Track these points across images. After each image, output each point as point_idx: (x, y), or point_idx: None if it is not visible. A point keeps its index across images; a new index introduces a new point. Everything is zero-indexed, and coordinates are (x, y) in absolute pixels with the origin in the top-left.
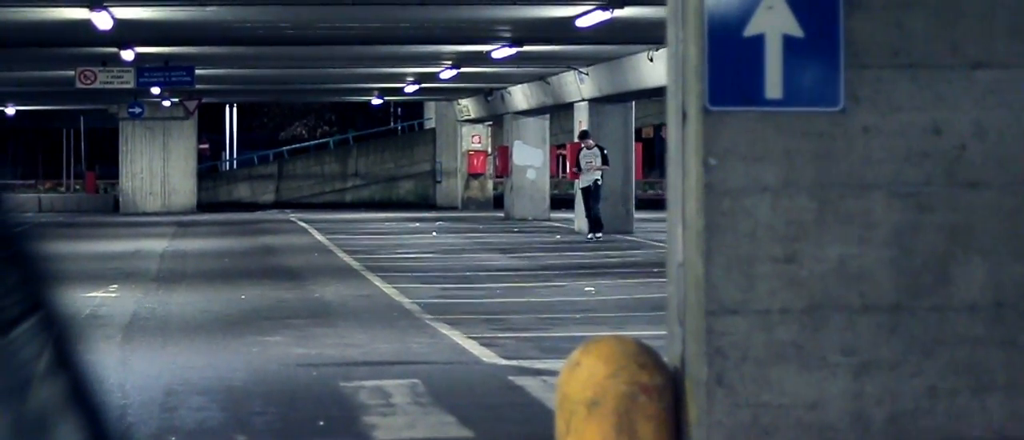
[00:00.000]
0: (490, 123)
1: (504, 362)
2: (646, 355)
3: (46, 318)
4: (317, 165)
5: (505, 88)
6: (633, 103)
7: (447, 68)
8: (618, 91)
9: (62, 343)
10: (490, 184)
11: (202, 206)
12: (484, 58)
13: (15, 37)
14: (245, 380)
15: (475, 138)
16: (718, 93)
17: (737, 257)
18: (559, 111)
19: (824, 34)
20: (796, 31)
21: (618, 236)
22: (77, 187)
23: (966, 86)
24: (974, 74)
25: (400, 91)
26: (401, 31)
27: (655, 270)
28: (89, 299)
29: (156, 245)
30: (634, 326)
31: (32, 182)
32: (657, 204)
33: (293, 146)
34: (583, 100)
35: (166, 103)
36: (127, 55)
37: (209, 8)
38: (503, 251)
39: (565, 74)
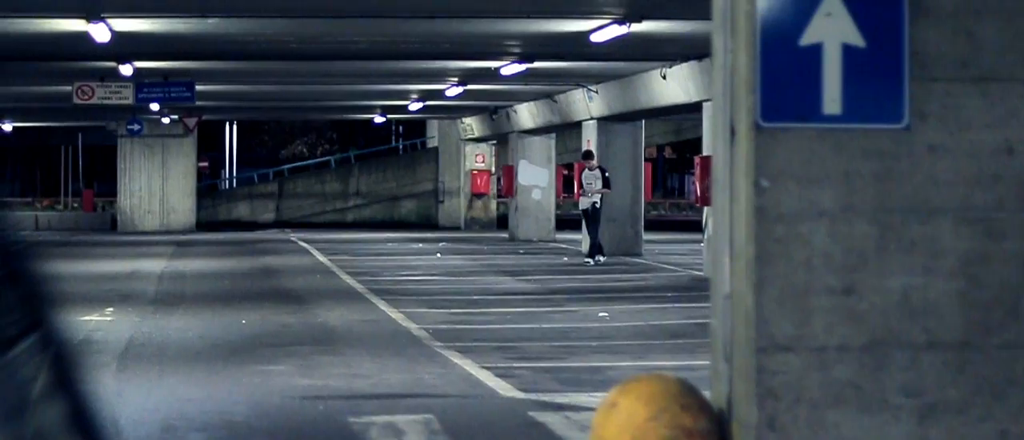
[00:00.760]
0: (494, 142)
1: (522, 395)
2: (689, 395)
3: (45, 338)
4: (318, 184)
5: (511, 106)
6: (643, 122)
7: (453, 85)
8: (628, 109)
9: (61, 364)
10: (494, 204)
11: (201, 225)
12: (491, 75)
13: (11, 50)
14: (247, 414)
15: (479, 157)
16: (771, 108)
17: (791, 288)
18: (566, 130)
19: (887, 44)
20: (857, 40)
21: (627, 258)
22: (75, 205)
23: None
24: None
25: (404, 109)
26: (407, 46)
27: (668, 295)
28: (83, 323)
29: (154, 266)
30: (655, 355)
31: (29, 200)
32: (661, 226)
33: (294, 164)
34: (592, 118)
35: (165, 120)
36: (126, 70)
37: (211, 20)
38: (510, 274)
39: (573, 92)
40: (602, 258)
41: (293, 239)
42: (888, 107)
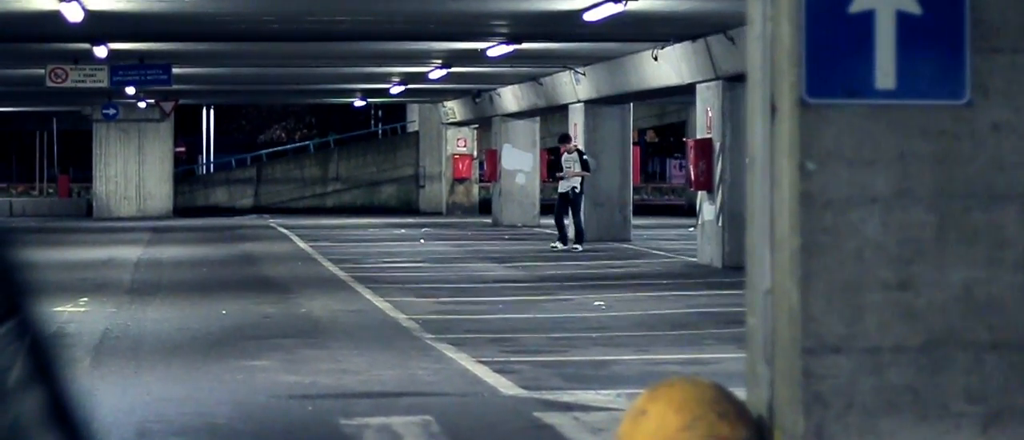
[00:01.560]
0: (476, 126)
1: (525, 393)
2: (726, 401)
3: (21, 326)
4: (297, 169)
5: (494, 89)
6: (631, 105)
7: (436, 68)
8: (618, 92)
9: (39, 353)
10: (476, 189)
11: (178, 211)
12: (477, 57)
13: None
14: (230, 416)
15: (461, 141)
16: (818, 82)
17: (840, 283)
18: (551, 113)
19: (946, 10)
20: (912, 7)
21: (616, 244)
22: (50, 191)
23: None
24: None
25: (385, 92)
26: (393, 26)
27: (664, 282)
28: (56, 314)
29: (130, 253)
30: (660, 348)
31: (4, 186)
32: (645, 210)
33: (272, 149)
34: (579, 101)
35: (141, 104)
36: (100, 52)
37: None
38: (497, 260)
39: (559, 74)
40: (580, 247)
41: (272, 225)
42: (947, 81)
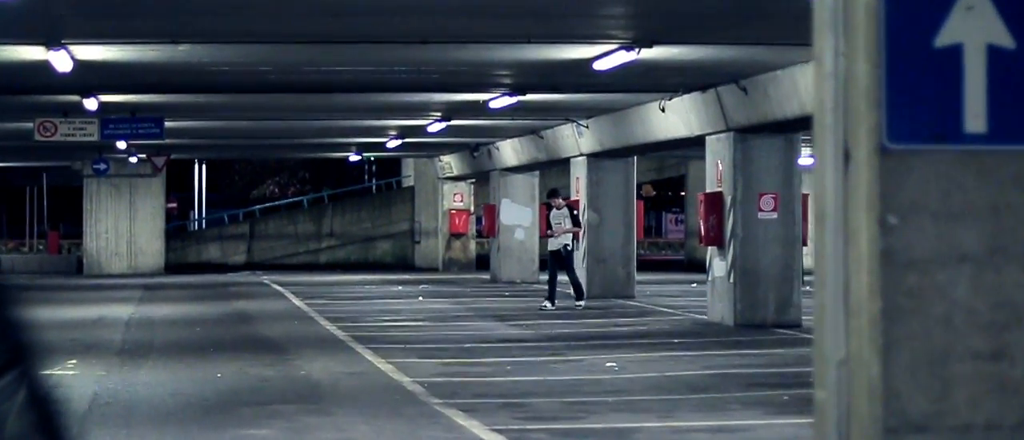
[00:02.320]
0: (473, 181)
1: None
2: None
3: (24, 376)
4: (290, 225)
5: (493, 143)
6: (635, 158)
7: (435, 121)
8: (622, 144)
9: (42, 405)
10: (473, 245)
11: (170, 267)
12: (478, 108)
13: None
14: None
15: (457, 196)
16: (900, 126)
17: (926, 353)
18: (550, 167)
19: None
20: (1005, 40)
21: (620, 301)
22: (40, 247)
23: None
24: None
25: (381, 147)
26: (394, 76)
27: (675, 341)
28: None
29: (121, 311)
30: (683, 414)
31: None
32: (642, 266)
33: (265, 205)
34: (581, 155)
35: (133, 159)
36: (90, 104)
37: (181, 47)
38: (499, 318)
39: (561, 127)
40: (581, 304)
41: (266, 282)
42: None
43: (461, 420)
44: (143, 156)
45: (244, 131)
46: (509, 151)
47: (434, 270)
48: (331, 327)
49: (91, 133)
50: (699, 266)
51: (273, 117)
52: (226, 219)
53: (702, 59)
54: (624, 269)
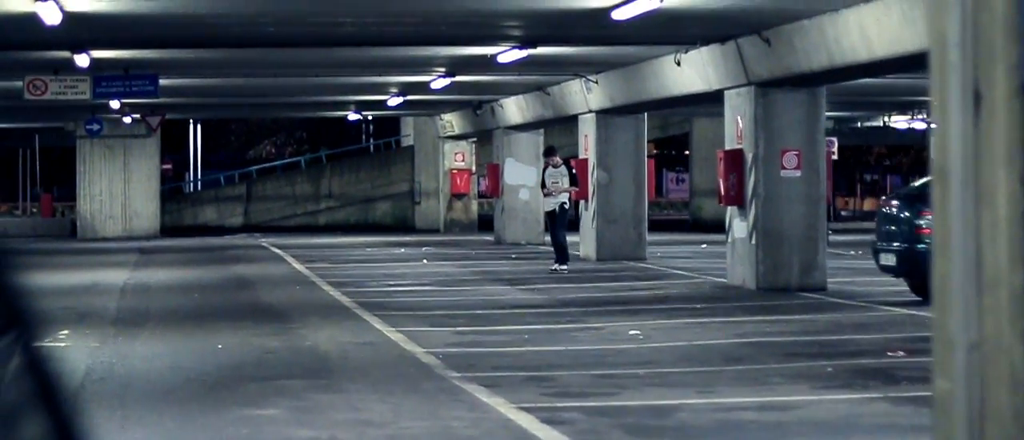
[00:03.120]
0: (475, 139)
1: None
2: None
3: (20, 341)
4: (288, 186)
5: (496, 100)
6: (646, 115)
7: (439, 76)
8: (633, 101)
9: (40, 373)
10: (474, 205)
11: (166, 230)
12: (485, 63)
13: None
14: None
15: (458, 156)
16: None
17: None
18: (557, 125)
19: None
20: None
21: (632, 263)
22: (33, 210)
23: None
24: None
25: (382, 104)
26: (399, 29)
27: (698, 306)
28: None
29: (116, 276)
30: (723, 387)
31: None
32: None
33: (262, 165)
34: (590, 111)
35: (127, 119)
36: (82, 61)
37: None
38: (509, 282)
39: (568, 83)
40: (564, 267)
41: (264, 245)
42: None
43: (484, 397)
44: (137, 116)
45: (241, 89)
46: (513, 109)
47: (435, 231)
48: (335, 293)
49: (83, 91)
50: (704, 226)
51: (270, 73)
52: (222, 180)
53: (727, 7)
54: (635, 230)
